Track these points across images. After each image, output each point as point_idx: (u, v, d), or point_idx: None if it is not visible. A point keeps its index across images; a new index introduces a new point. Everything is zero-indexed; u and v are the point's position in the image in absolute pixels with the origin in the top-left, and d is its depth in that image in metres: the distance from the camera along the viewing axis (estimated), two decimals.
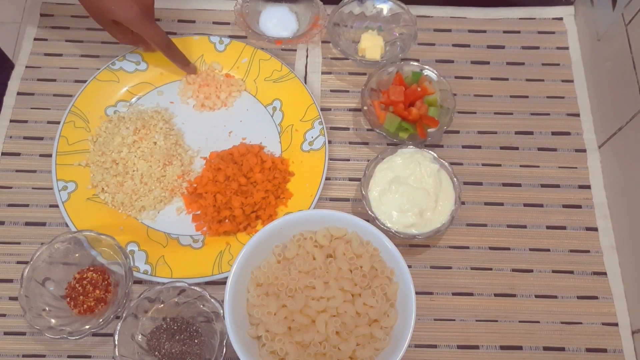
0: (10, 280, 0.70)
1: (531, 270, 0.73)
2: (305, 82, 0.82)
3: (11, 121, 0.79)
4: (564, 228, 0.75)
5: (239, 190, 0.72)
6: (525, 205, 0.76)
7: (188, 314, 0.66)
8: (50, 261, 0.66)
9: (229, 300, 0.60)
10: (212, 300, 0.64)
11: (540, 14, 0.89)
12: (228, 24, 0.87)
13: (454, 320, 0.70)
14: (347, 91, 0.83)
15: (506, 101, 0.83)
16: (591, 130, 0.80)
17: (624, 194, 0.73)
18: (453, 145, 0.79)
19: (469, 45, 0.86)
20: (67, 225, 0.71)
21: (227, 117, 0.80)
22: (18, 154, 0.77)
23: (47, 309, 0.65)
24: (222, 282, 0.64)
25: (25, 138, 0.78)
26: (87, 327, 0.63)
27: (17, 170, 0.76)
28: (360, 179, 0.73)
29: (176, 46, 0.76)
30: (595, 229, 0.75)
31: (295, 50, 0.85)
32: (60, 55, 0.84)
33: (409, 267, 0.62)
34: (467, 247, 0.74)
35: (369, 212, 0.70)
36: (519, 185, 0.77)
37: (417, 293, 0.61)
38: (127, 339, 0.63)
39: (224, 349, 0.62)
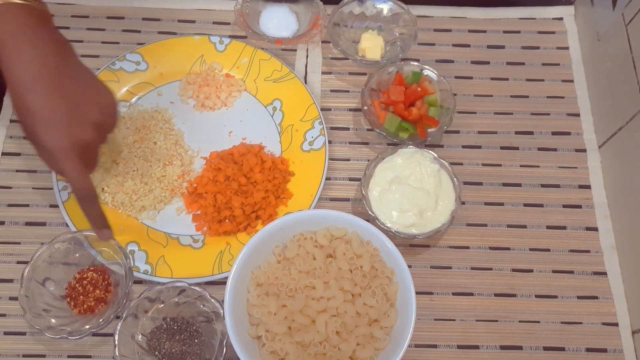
0: (11, 280, 0.70)
1: (531, 270, 0.73)
2: (306, 82, 0.82)
3: (11, 121, 0.79)
4: (564, 228, 0.75)
5: (239, 190, 0.72)
6: (526, 205, 0.76)
7: (188, 314, 0.66)
8: (50, 261, 0.66)
9: (229, 300, 0.60)
10: (212, 300, 0.64)
11: (540, 14, 0.89)
12: (228, 24, 0.87)
13: (454, 320, 0.70)
14: (347, 91, 0.83)
15: (506, 101, 0.83)
16: (591, 130, 0.80)
17: (624, 194, 0.73)
18: (453, 145, 0.79)
19: (469, 45, 0.86)
20: (67, 225, 0.71)
21: (227, 117, 0.80)
22: (18, 154, 0.77)
23: (47, 308, 0.65)
24: (222, 282, 0.64)
25: (25, 138, 0.78)
26: (87, 327, 0.63)
27: (17, 170, 0.76)
28: (361, 179, 0.73)
29: (97, 202, 0.63)
30: (596, 229, 0.75)
31: (296, 50, 0.85)
32: None
33: (409, 267, 0.62)
34: (467, 247, 0.74)
35: (369, 212, 0.70)
36: (519, 185, 0.77)
37: (417, 293, 0.61)
38: (127, 339, 0.63)
39: (224, 349, 0.62)
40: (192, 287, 0.65)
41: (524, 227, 0.75)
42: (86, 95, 0.60)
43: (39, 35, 0.58)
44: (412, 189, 0.70)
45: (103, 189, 0.73)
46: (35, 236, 0.72)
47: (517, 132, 0.80)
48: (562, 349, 0.69)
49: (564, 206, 0.76)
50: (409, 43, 0.81)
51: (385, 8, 0.84)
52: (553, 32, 0.87)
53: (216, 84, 0.80)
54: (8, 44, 0.56)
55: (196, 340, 0.65)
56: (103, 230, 0.64)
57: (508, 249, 0.74)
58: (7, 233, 0.73)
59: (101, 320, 0.63)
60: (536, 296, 0.71)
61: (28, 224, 0.73)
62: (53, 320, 0.64)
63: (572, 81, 0.84)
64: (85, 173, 0.60)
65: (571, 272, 0.73)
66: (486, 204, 0.76)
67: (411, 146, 0.73)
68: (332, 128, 0.80)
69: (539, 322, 0.70)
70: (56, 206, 0.73)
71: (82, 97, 0.59)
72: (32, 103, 0.57)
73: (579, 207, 0.76)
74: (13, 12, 0.57)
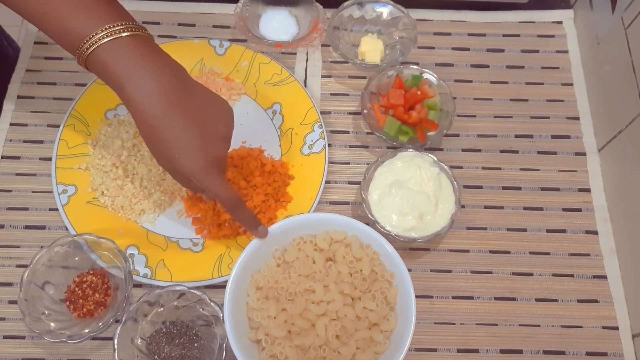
0: (10, 284, 0.70)
1: (531, 274, 0.72)
2: (305, 86, 0.82)
3: (11, 124, 0.79)
4: (564, 231, 0.75)
5: (238, 193, 0.72)
6: (525, 208, 0.76)
7: (188, 318, 0.66)
8: (49, 265, 0.66)
9: (228, 303, 0.60)
10: (212, 303, 0.64)
11: (539, 18, 0.89)
12: (228, 27, 0.87)
13: (454, 323, 0.70)
14: (347, 94, 0.83)
15: (506, 104, 0.83)
16: (591, 134, 0.80)
17: (624, 197, 0.73)
18: (453, 148, 0.79)
19: (468, 49, 0.86)
20: (66, 229, 0.71)
21: None
22: (18, 158, 0.77)
23: (46, 312, 0.65)
24: (222, 286, 0.64)
25: (25, 141, 0.78)
26: (86, 330, 0.63)
27: (16, 174, 0.76)
28: (360, 182, 0.73)
29: (244, 206, 0.63)
30: (596, 232, 0.75)
31: (295, 53, 0.85)
32: (61, 58, 0.84)
33: (409, 270, 0.62)
34: (467, 251, 0.74)
35: (369, 215, 0.70)
36: (519, 188, 0.77)
37: (417, 297, 0.61)
38: (126, 342, 0.63)
39: (224, 353, 0.62)
40: (192, 290, 0.64)
41: (524, 230, 0.75)
42: (209, 112, 0.60)
43: (154, 64, 0.57)
44: (412, 192, 0.70)
45: (103, 192, 0.73)
46: (35, 240, 0.72)
47: (516, 136, 0.80)
48: (563, 352, 0.69)
49: (564, 209, 0.76)
50: (409, 46, 0.81)
51: (384, 12, 0.84)
52: (552, 36, 0.88)
53: (216, 88, 0.80)
54: (128, 80, 0.56)
55: (196, 344, 0.65)
56: (258, 229, 0.64)
57: (508, 252, 0.74)
58: (6, 236, 0.73)
59: (100, 324, 0.63)
60: (536, 300, 0.71)
61: (27, 227, 0.73)
62: (52, 324, 0.64)
63: (571, 84, 0.84)
64: (227, 184, 0.61)
65: (571, 275, 0.72)
66: (486, 207, 0.76)
67: (411, 149, 0.73)
68: (331, 131, 0.80)
69: (539, 325, 0.70)
70: (56, 209, 0.72)
71: (206, 116, 0.59)
72: (165, 134, 0.57)
73: (579, 210, 0.76)
74: (125, 47, 0.56)
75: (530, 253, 0.74)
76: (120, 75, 0.56)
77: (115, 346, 0.61)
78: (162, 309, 0.65)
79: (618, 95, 0.75)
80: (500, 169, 0.78)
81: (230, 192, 0.61)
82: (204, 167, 0.59)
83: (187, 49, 0.82)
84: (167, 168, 0.61)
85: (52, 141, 0.76)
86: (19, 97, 0.81)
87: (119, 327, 0.62)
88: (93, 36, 0.56)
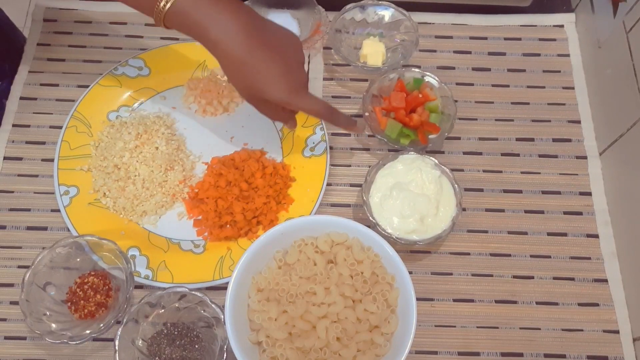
0: (11, 285, 0.70)
1: (532, 277, 0.72)
2: None
3: (14, 126, 0.79)
4: (564, 235, 0.75)
5: (240, 195, 0.72)
6: (526, 211, 0.76)
7: (189, 319, 0.66)
8: (51, 266, 0.66)
9: (229, 305, 0.60)
10: (213, 305, 0.64)
11: (541, 21, 0.89)
12: None
13: (454, 326, 0.70)
14: (349, 97, 0.83)
15: (507, 108, 0.83)
16: (592, 137, 0.80)
17: (625, 200, 0.73)
18: (454, 151, 0.80)
19: (470, 52, 0.87)
20: (68, 230, 0.72)
21: (228, 123, 0.80)
22: (20, 159, 0.77)
23: (47, 313, 0.65)
24: (223, 288, 0.64)
25: (27, 143, 0.78)
26: (87, 332, 0.63)
27: (19, 175, 0.76)
28: (362, 184, 0.73)
29: (338, 111, 0.69)
30: (596, 236, 0.75)
31: None
32: (63, 60, 0.84)
33: (410, 273, 0.62)
34: (468, 254, 0.74)
35: (370, 218, 0.70)
36: (519, 191, 0.77)
37: (417, 299, 0.61)
38: (127, 344, 0.63)
39: (225, 354, 0.62)
40: (193, 292, 0.65)
41: (525, 233, 0.75)
42: (284, 43, 0.65)
43: (229, 6, 0.61)
44: (413, 195, 0.70)
45: (105, 193, 0.74)
46: (37, 241, 0.73)
47: (517, 139, 0.81)
48: (563, 356, 0.69)
49: (565, 213, 0.76)
50: (410, 49, 0.81)
51: (386, 15, 0.84)
52: (554, 39, 0.88)
53: (218, 90, 0.81)
54: (211, 25, 0.60)
55: (196, 346, 0.65)
56: (357, 125, 0.72)
57: (509, 255, 0.74)
58: (8, 237, 0.73)
59: (102, 325, 0.63)
60: (537, 303, 0.71)
61: (29, 228, 0.73)
62: (53, 325, 0.64)
63: (572, 88, 0.84)
64: (316, 98, 0.67)
65: (572, 279, 0.72)
66: (487, 210, 0.76)
67: (412, 152, 0.73)
68: (333, 134, 0.80)
69: (539, 329, 0.70)
70: (57, 211, 0.73)
71: (283, 46, 0.64)
72: (254, 68, 0.62)
73: (580, 213, 0.76)
74: None
75: (531, 256, 0.74)
76: (202, 22, 0.60)
77: (116, 347, 0.61)
78: (163, 310, 0.66)
79: (619, 99, 0.75)
80: (501, 172, 0.78)
81: (322, 103, 0.67)
82: (293, 90, 0.64)
83: (189, 51, 0.82)
84: (255, 102, 0.66)
85: (54, 142, 0.77)
86: (21, 98, 0.81)
87: (120, 329, 0.62)
88: None
